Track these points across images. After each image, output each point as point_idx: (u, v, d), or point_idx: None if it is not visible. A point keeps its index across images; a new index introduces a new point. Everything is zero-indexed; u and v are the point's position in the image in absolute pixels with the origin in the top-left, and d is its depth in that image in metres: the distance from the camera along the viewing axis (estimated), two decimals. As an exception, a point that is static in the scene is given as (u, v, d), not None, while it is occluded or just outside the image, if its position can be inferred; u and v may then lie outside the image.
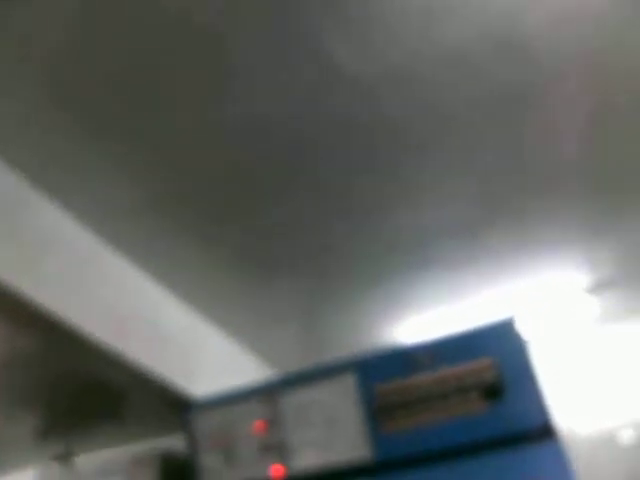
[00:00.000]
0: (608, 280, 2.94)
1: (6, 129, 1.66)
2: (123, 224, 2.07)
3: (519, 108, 1.85)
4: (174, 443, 2.44)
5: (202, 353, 2.56)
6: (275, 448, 1.84)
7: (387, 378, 1.77)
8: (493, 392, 1.65)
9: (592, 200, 2.33)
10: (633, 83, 1.81)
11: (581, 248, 2.65)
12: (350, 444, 1.76)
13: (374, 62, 1.63)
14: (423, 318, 2.95)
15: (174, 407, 2.22)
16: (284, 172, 1.96)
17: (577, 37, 1.64)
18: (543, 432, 1.60)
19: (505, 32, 1.59)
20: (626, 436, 2.98)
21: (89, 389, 2.38)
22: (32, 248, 1.80)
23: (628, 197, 2.34)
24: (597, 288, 2.98)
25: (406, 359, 1.78)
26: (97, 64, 1.54)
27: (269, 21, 1.48)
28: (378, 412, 1.75)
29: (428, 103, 1.78)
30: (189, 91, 1.65)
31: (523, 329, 1.71)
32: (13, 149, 1.73)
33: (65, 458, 2.95)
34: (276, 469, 1.83)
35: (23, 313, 1.76)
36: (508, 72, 1.71)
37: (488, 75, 1.71)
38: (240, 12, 1.45)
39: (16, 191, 1.81)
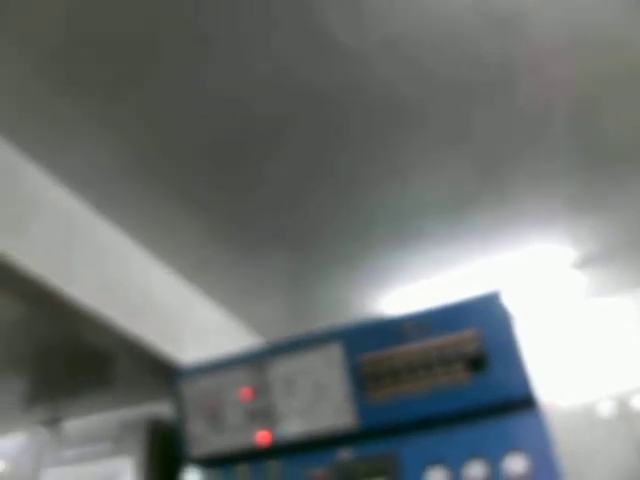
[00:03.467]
0: (593, 255, 2.97)
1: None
2: (111, 190, 2.06)
3: (508, 84, 1.85)
4: (162, 409, 2.46)
5: (190, 320, 2.58)
6: (262, 415, 1.87)
7: (373, 348, 1.79)
8: (477, 363, 1.68)
9: (578, 175, 2.34)
10: (622, 60, 1.81)
11: (567, 223, 2.66)
12: (336, 411, 1.78)
13: (367, 31, 1.62)
14: (409, 290, 2.97)
15: (162, 373, 2.24)
16: (271, 141, 1.96)
17: (569, 11, 1.63)
18: (525, 403, 1.62)
19: (496, 6, 1.59)
20: (606, 408, 3.04)
21: (77, 355, 2.39)
22: (18, 213, 1.79)
23: (613, 173, 2.35)
24: (582, 263, 3.01)
25: (392, 330, 1.79)
26: (80, 30, 1.53)
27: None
28: (364, 381, 1.78)
29: (419, 75, 1.77)
30: (176, 57, 1.64)
31: (508, 302, 1.74)
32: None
33: (53, 423, 2.97)
34: (263, 435, 1.85)
35: (9, 279, 1.76)
36: (500, 45, 1.71)
37: (479, 48, 1.71)
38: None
39: (1, 156, 1.79)
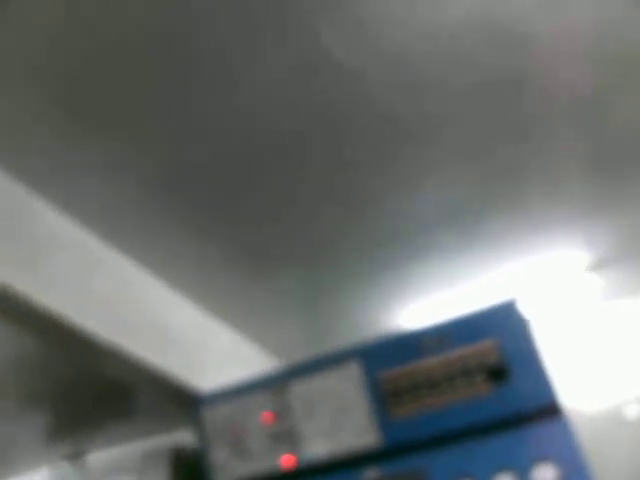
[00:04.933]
0: (609, 258, 2.94)
1: (4, 136, 1.67)
2: (122, 222, 2.07)
3: (514, 90, 1.84)
4: (184, 438, 2.46)
5: (207, 347, 2.58)
6: (285, 438, 1.86)
7: (392, 364, 1.78)
8: (498, 373, 1.67)
9: (591, 178, 2.33)
10: (627, 61, 1.81)
11: (581, 227, 2.65)
12: (359, 431, 1.77)
13: (363, 45, 1.62)
14: (425, 303, 2.96)
15: (182, 402, 2.24)
16: (279, 161, 1.96)
17: (573, 14, 1.63)
18: (549, 411, 1.61)
19: (496, 14, 1.59)
20: (632, 411, 3.00)
21: (97, 388, 2.39)
22: (33, 250, 1.80)
23: (627, 174, 2.34)
24: (598, 266, 2.99)
25: (410, 344, 1.79)
26: (84, 63, 1.54)
27: (257, 6, 1.48)
28: (385, 398, 1.76)
29: (420, 88, 1.78)
30: (176, 83, 1.65)
31: (525, 310, 1.72)
32: (10, 154, 1.73)
33: (76, 457, 2.97)
34: (287, 459, 1.84)
35: (28, 315, 1.77)
36: (500, 55, 1.71)
37: (480, 58, 1.71)
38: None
39: (13, 193, 1.81)
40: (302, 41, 1.58)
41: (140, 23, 1.48)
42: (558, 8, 1.60)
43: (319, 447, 1.81)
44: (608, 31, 1.70)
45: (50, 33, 1.46)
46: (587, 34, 1.70)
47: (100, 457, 2.97)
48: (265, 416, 1.91)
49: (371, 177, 2.09)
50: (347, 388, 1.82)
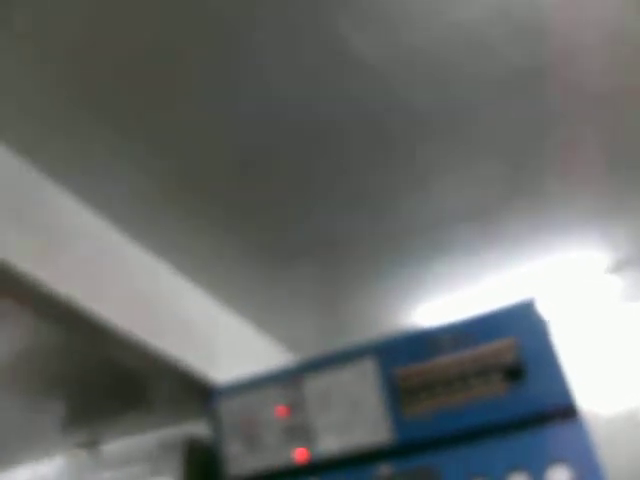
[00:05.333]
0: (629, 259, 2.91)
1: (21, 122, 1.68)
2: (139, 213, 2.08)
3: (536, 90, 1.83)
4: (198, 429, 2.47)
5: (222, 339, 2.58)
6: (298, 432, 1.86)
7: (408, 361, 1.78)
8: (514, 373, 1.65)
9: (612, 178, 2.30)
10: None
11: (600, 227, 2.62)
12: (372, 427, 1.77)
13: (388, 45, 1.62)
14: (442, 301, 2.95)
15: (197, 394, 2.25)
16: (298, 158, 1.96)
17: (596, 9, 1.61)
18: (566, 413, 1.59)
19: (522, 13, 1.58)
20: (649, 415, 2.96)
21: (113, 377, 2.41)
22: (50, 237, 1.81)
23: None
24: (618, 267, 2.96)
25: (426, 342, 1.78)
26: (108, 57, 1.55)
27: (280, 2, 1.47)
28: (399, 395, 1.76)
29: (444, 87, 1.77)
30: (201, 78, 1.66)
31: (544, 310, 1.71)
32: (28, 141, 1.74)
33: (91, 446, 2.99)
34: (300, 453, 1.84)
35: (45, 304, 1.78)
36: (525, 54, 1.69)
37: (505, 57, 1.70)
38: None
39: (32, 183, 1.82)
40: (322, 38, 1.58)
41: (167, 19, 1.48)
42: (585, 2, 1.59)
43: (332, 442, 1.81)
44: (629, 27, 1.67)
45: (73, 28, 1.47)
46: (608, 28, 1.68)
47: (115, 446, 2.99)
48: (279, 410, 1.91)
49: (389, 174, 2.08)
50: (362, 384, 1.82)
